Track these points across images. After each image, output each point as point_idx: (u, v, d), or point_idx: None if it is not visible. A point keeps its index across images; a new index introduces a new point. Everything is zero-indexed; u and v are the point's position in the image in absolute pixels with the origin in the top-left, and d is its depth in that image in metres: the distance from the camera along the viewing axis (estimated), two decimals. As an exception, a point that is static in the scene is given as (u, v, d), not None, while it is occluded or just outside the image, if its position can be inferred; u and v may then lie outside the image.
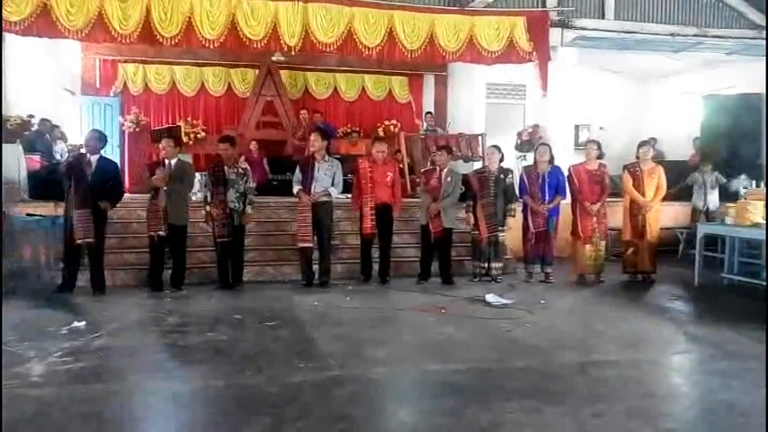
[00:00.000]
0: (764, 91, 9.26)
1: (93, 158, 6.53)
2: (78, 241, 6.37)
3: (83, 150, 6.72)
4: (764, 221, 6.60)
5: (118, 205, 8.04)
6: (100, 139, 6.66)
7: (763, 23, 10.02)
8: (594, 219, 7.42)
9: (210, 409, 3.52)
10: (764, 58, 8.81)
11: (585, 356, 4.55)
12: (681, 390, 4.03)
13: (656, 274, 7.60)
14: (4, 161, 8.40)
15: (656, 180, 7.43)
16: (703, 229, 7.54)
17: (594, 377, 4.06)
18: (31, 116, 8.88)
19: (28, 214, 7.33)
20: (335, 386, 3.80)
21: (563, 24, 9.78)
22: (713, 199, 9.26)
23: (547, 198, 7.43)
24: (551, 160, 7.60)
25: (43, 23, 7.97)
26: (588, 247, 7.46)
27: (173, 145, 6.95)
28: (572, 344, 4.91)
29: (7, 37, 8.40)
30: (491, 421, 3.27)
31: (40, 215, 7.39)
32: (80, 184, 6.36)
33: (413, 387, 3.98)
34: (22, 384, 3.79)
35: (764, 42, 9.33)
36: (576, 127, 11.69)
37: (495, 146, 7.72)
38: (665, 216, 8.06)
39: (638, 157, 7.56)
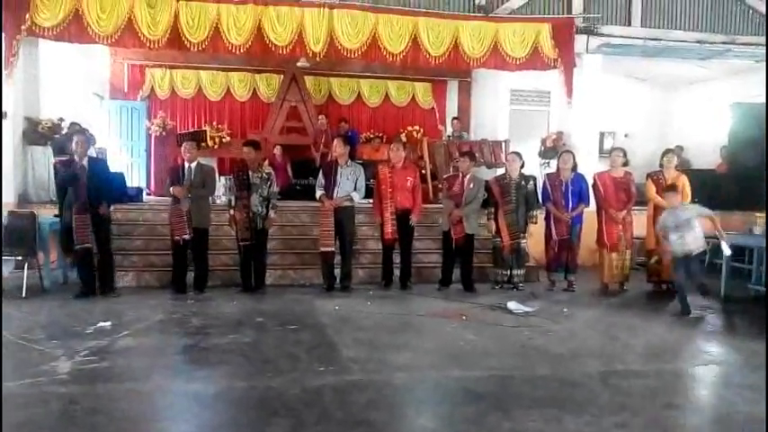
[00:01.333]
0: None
1: (84, 162, 6.54)
2: (77, 247, 6.46)
3: (76, 157, 6.56)
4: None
5: (143, 208, 8.17)
6: (89, 140, 6.72)
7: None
8: (620, 227, 7.35)
9: (232, 410, 3.55)
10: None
11: (608, 366, 4.50)
12: (704, 402, 3.98)
13: (680, 283, 7.49)
14: (36, 163, 8.62)
15: (680, 188, 7.33)
16: (730, 239, 7.42)
17: (617, 387, 4.02)
18: (61, 119, 9.06)
19: (56, 216, 7.48)
20: (356, 390, 3.82)
21: (588, 31, 9.72)
22: (691, 239, 6.41)
23: (570, 205, 7.39)
24: (574, 167, 7.55)
25: (75, 29, 8.17)
26: (614, 255, 7.38)
27: (194, 147, 7.04)
28: (594, 353, 4.87)
29: (39, 42, 8.61)
30: (512, 429, 3.26)
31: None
32: (78, 190, 6.41)
33: (433, 393, 3.98)
34: (50, 382, 3.87)
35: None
36: (601, 134, 11.58)
37: (515, 152, 7.70)
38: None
39: (661, 165, 7.48)
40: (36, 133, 8.59)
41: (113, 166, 8.35)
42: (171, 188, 6.81)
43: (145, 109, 12.05)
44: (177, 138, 11.22)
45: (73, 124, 9.54)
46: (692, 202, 7.53)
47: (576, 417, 3.43)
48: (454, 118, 12.25)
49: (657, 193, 7.35)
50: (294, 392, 3.76)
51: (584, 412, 3.51)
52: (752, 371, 4.45)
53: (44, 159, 8.72)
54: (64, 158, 7.64)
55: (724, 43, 10.02)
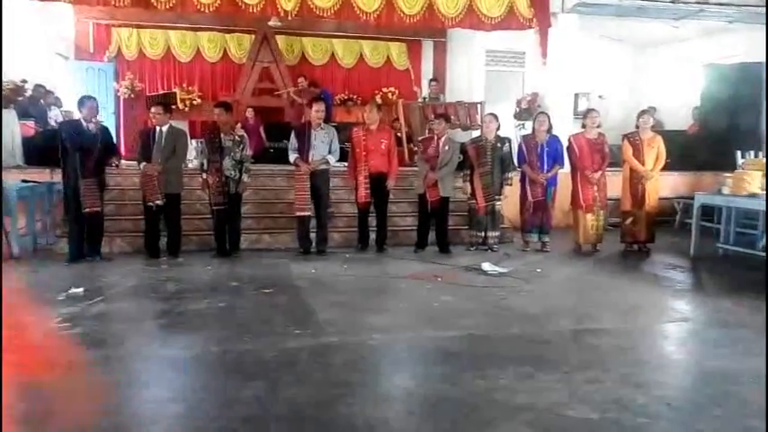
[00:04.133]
0: (765, 60, 9.17)
1: (92, 126, 6.47)
2: (87, 210, 6.37)
3: (77, 116, 6.66)
4: (761, 192, 6.61)
5: (114, 172, 8.02)
6: (97, 107, 6.63)
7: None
8: (595, 188, 7.41)
9: (208, 374, 3.55)
10: (765, 26, 8.71)
11: (580, 324, 4.59)
12: (673, 357, 4.08)
13: (653, 243, 7.63)
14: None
15: (656, 149, 7.40)
16: (700, 199, 7.55)
17: (588, 345, 4.10)
18: (25, 81, 8.78)
19: (23, 181, 7.30)
20: (332, 352, 3.84)
21: (564, -10, 9.63)
22: None
23: (545, 167, 7.42)
24: (550, 129, 7.56)
25: (35, -15, 7.83)
26: (588, 216, 7.47)
27: (162, 112, 6.86)
28: (567, 312, 4.95)
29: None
30: (486, 387, 3.31)
31: (36, 182, 7.37)
32: (90, 154, 6.34)
33: (409, 353, 4.02)
34: (21, 349, 3.82)
35: (766, 10, 9.20)
36: (576, 95, 11.59)
37: (492, 114, 7.67)
38: (663, 186, 8.05)
39: (637, 126, 7.52)
40: (-2, 96, 8.30)
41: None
42: (142, 165, 6.71)
43: (112, 70, 11.71)
44: (146, 100, 10.98)
45: (37, 86, 9.27)
46: (665, 162, 7.63)
47: (548, 374, 3.50)
48: (432, 80, 12.13)
49: (633, 154, 7.41)
50: (271, 355, 3.77)
51: (557, 370, 3.58)
52: (719, 327, 4.58)
53: (8, 123, 8.44)
54: (70, 120, 7.48)
55: (698, 3, 10.00)
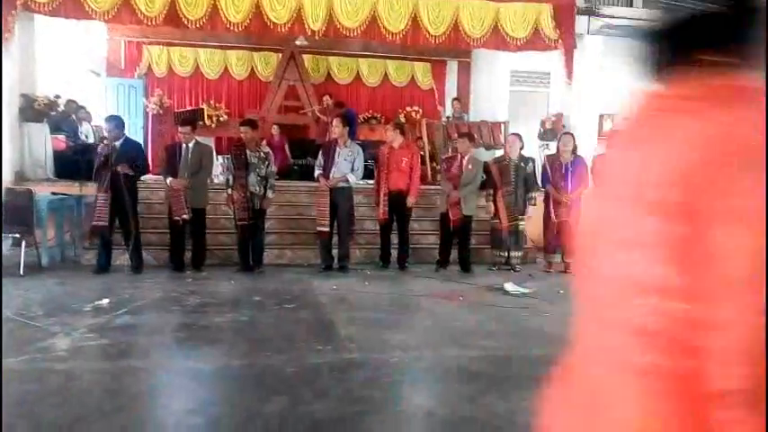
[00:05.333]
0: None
1: (118, 143, 6.60)
2: (93, 224, 6.50)
3: (106, 141, 6.68)
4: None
5: (141, 187, 8.17)
6: (119, 126, 6.72)
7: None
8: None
9: (230, 387, 3.57)
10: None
11: (604, 347, 4.52)
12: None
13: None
14: (33, 141, 8.57)
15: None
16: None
17: (612, 368, 4.04)
18: (58, 97, 8.99)
19: (53, 193, 7.46)
20: (353, 369, 3.84)
21: (590, 12, 9.65)
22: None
23: (570, 188, 7.38)
24: (575, 150, 7.53)
25: (71, 5, 8.07)
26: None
27: (189, 131, 7.01)
28: (590, 334, 4.88)
29: (35, 18, 8.51)
30: (508, 408, 3.28)
31: (65, 194, 7.53)
32: (103, 169, 6.47)
33: (430, 372, 4.00)
34: (48, 359, 3.88)
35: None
36: (601, 116, 11.53)
37: (516, 134, 7.67)
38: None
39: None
40: (32, 110, 8.53)
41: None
42: (168, 180, 6.80)
43: (142, 87, 11.96)
44: (174, 116, 11.18)
45: (70, 102, 9.49)
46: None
47: (571, 396, 3.45)
48: (454, 99, 12.18)
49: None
50: (292, 370, 3.78)
51: (580, 392, 3.53)
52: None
53: (41, 137, 8.67)
54: (66, 139, 7.64)
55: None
